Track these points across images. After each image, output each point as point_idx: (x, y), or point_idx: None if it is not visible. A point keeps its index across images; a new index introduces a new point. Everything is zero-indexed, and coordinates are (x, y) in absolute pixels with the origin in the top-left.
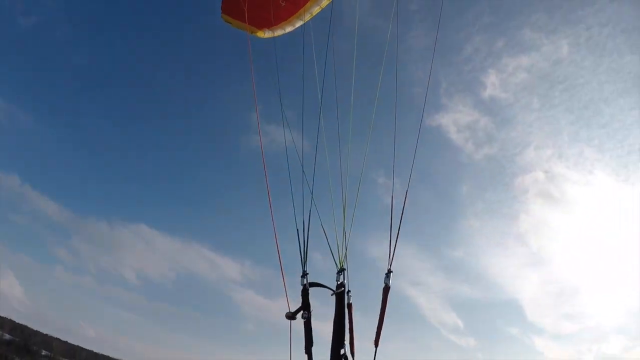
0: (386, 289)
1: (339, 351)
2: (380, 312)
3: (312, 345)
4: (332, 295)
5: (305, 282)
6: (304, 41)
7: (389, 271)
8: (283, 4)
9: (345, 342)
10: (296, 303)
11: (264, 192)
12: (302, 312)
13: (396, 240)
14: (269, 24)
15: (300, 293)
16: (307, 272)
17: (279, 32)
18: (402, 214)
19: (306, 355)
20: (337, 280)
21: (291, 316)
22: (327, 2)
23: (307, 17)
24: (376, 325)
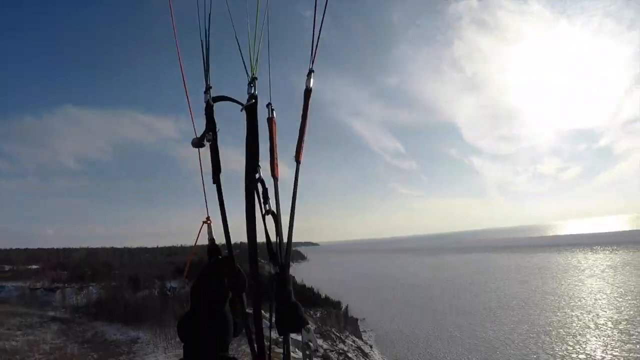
0: (307, 92)
1: (255, 173)
2: (301, 121)
3: (219, 172)
4: (241, 110)
5: (208, 97)
6: None
7: (311, 70)
8: None
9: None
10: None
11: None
12: (206, 133)
13: (319, 34)
14: None
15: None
16: (210, 85)
17: None
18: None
19: (214, 185)
20: (249, 92)
21: (197, 142)
22: None
23: None
24: (297, 138)
